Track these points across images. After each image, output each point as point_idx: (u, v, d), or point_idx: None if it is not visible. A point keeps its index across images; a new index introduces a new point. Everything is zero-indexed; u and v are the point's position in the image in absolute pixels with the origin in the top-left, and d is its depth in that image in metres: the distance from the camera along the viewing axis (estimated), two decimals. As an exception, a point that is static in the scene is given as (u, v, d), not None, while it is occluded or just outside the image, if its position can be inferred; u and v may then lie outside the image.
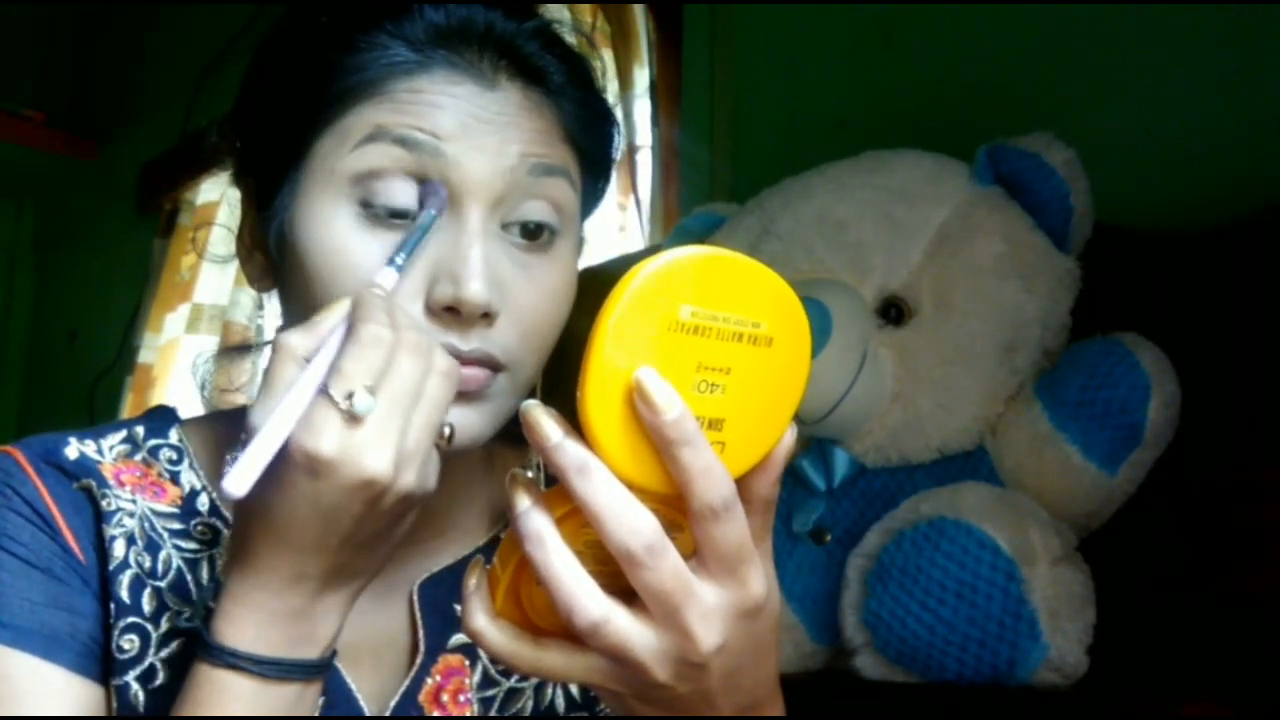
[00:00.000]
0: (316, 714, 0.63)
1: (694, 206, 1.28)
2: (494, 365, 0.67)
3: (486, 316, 0.66)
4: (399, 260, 0.64)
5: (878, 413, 1.02)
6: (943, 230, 1.03)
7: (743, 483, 0.55)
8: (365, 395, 0.56)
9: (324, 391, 0.57)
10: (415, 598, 0.75)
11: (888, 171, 1.08)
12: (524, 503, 0.54)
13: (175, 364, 2.48)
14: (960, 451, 1.01)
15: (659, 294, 0.51)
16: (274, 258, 0.71)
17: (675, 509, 0.54)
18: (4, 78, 3.06)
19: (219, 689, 0.60)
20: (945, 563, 0.89)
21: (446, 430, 0.62)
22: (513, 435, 0.69)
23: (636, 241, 1.70)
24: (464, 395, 0.66)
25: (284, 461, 0.57)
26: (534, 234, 0.69)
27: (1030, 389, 0.99)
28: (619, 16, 1.73)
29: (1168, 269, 1.04)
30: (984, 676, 0.89)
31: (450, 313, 0.65)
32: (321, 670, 0.62)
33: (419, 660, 0.74)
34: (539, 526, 0.53)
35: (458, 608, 0.75)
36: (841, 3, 1.44)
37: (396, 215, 0.66)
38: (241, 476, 0.55)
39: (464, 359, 0.65)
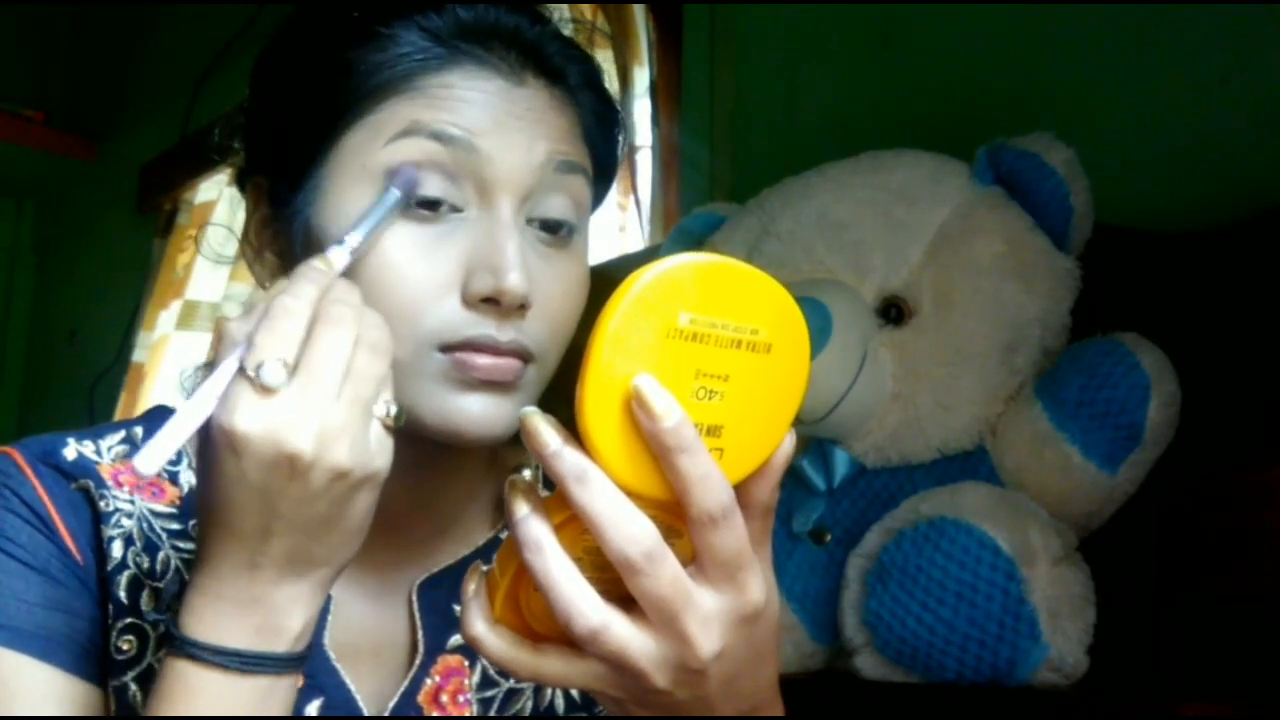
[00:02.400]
0: (290, 712, 0.62)
1: (694, 206, 1.28)
2: (526, 356, 0.68)
3: (522, 308, 0.67)
4: (353, 241, 0.64)
5: (878, 413, 1.02)
6: (943, 230, 1.03)
7: (742, 489, 0.55)
8: (275, 366, 0.56)
9: (240, 367, 0.56)
10: (414, 598, 0.75)
11: (888, 171, 1.08)
12: (522, 509, 0.53)
13: (166, 360, 2.46)
14: (960, 451, 1.01)
15: (657, 301, 0.51)
16: (296, 255, 0.70)
17: (674, 515, 0.54)
18: (4, 78, 3.06)
19: (184, 682, 0.59)
20: (945, 563, 0.89)
21: (392, 409, 0.59)
22: (517, 434, 0.70)
23: (636, 241, 1.69)
24: (500, 385, 0.67)
25: (211, 441, 0.57)
26: (556, 229, 0.70)
27: (1030, 389, 0.99)
28: (619, 16, 1.73)
29: (1168, 269, 1.04)
30: (984, 676, 0.89)
31: (488, 304, 0.66)
32: (291, 665, 0.61)
33: (418, 660, 0.74)
34: (537, 533, 0.53)
35: (457, 608, 0.75)
36: (841, 3, 1.44)
37: (429, 208, 0.66)
38: (152, 454, 0.55)
39: (501, 349, 0.66)
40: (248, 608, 0.59)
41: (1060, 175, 1.01)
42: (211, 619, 0.59)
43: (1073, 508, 0.96)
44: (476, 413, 0.66)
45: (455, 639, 0.75)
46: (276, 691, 0.60)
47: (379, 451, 0.59)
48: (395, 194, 0.65)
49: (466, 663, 0.75)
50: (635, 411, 0.51)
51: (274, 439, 0.55)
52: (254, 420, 0.55)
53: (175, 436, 0.56)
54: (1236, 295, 1.00)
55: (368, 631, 0.74)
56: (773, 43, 1.55)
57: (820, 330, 0.98)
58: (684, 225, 1.23)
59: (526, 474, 0.78)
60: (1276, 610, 0.91)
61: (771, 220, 1.11)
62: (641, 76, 1.71)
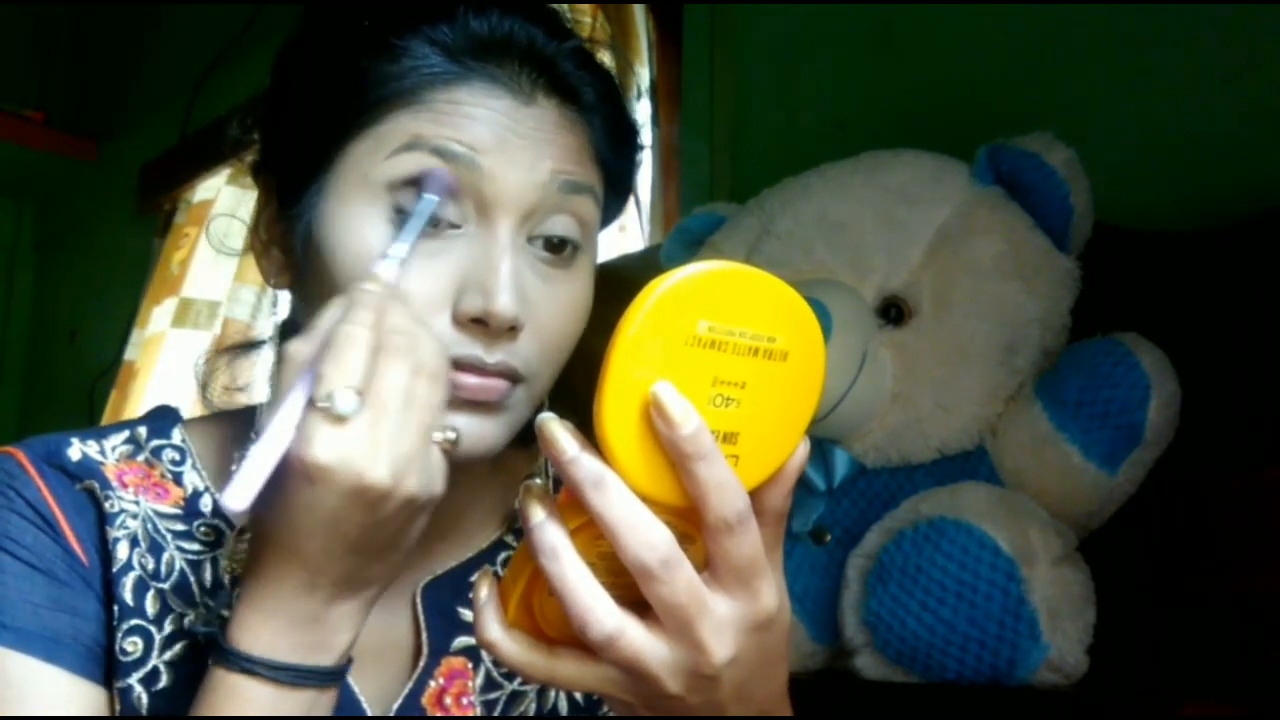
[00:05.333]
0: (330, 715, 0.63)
1: (694, 206, 1.28)
2: (514, 377, 0.67)
3: (512, 330, 0.66)
4: (399, 252, 0.64)
5: (878, 413, 1.02)
6: (943, 230, 1.03)
7: (755, 495, 0.55)
8: (347, 395, 0.57)
9: (310, 397, 0.57)
10: (419, 600, 0.76)
11: (888, 172, 1.08)
12: (538, 515, 0.54)
13: (159, 359, 2.44)
14: (960, 451, 1.01)
15: (676, 309, 0.51)
16: (298, 256, 0.71)
17: (688, 521, 0.54)
18: (4, 78, 3.06)
19: (234, 694, 0.60)
20: (945, 563, 0.89)
21: (452, 434, 0.62)
22: (518, 438, 0.70)
23: (636, 241, 1.69)
24: (484, 405, 0.67)
25: (286, 470, 0.57)
26: (558, 248, 0.70)
27: (1030, 389, 0.99)
28: (619, 16, 1.73)
29: (1168, 269, 1.04)
30: (984, 676, 0.89)
31: (477, 324, 0.66)
32: (336, 678, 0.62)
33: (422, 663, 0.74)
34: (553, 539, 0.53)
35: (461, 610, 0.76)
36: (841, 3, 1.44)
37: (428, 223, 0.66)
38: (241, 490, 0.56)
39: (487, 370, 0.66)
40: (302, 625, 0.61)
41: (1060, 175, 1.01)
42: (268, 636, 0.60)
43: (1073, 508, 0.96)
44: (460, 431, 0.66)
45: (459, 641, 0.75)
46: (320, 702, 0.62)
47: (438, 476, 0.61)
48: (431, 200, 0.65)
49: (470, 665, 0.75)
50: (653, 418, 0.51)
51: (354, 470, 0.57)
52: (331, 451, 0.56)
53: (260, 469, 0.57)
54: (1236, 295, 1.00)
55: (372, 633, 0.74)
56: (773, 43, 1.55)
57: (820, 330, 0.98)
58: (684, 225, 1.23)
59: (536, 483, 0.78)
60: (1276, 610, 0.91)
61: (771, 220, 1.11)
62: (641, 76, 1.71)
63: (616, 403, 0.51)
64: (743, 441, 0.54)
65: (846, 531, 1.03)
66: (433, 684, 0.74)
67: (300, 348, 0.59)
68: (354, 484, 0.57)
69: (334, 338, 0.58)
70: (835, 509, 1.05)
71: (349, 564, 0.60)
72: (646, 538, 0.52)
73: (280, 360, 0.60)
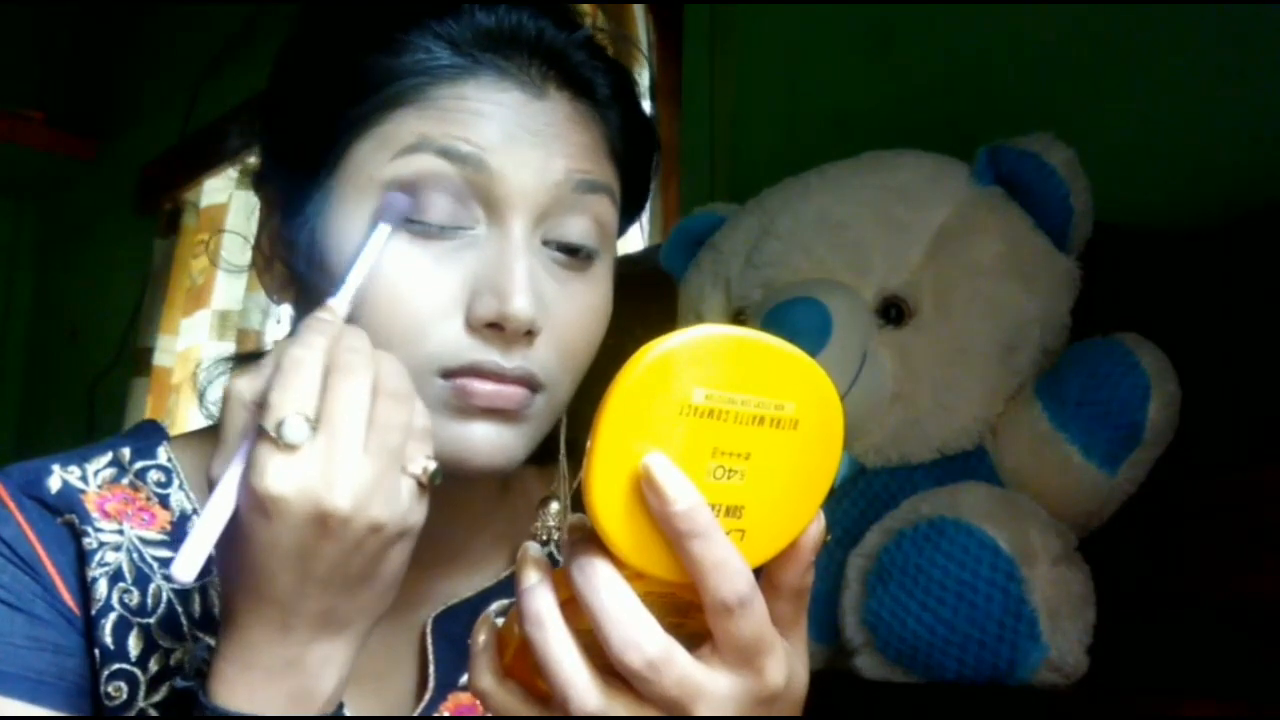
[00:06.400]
0: None
1: (694, 206, 1.28)
2: (534, 385, 0.64)
3: (529, 334, 0.63)
4: (354, 283, 0.61)
5: (878, 413, 1.02)
6: (943, 230, 1.03)
7: (770, 569, 0.52)
8: (296, 422, 0.53)
9: (260, 427, 0.54)
10: (429, 631, 0.72)
11: (888, 171, 1.08)
12: (530, 579, 0.52)
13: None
14: (960, 451, 1.01)
15: (668, 377, 0.48)
16: (301, 267, 0.68)
17: (692, 591, 0.51)
18: (4, 78, 3.06)
19: None
20: (945, 563, 0.89)
21: (430, 467, 0.57)
22: (532, 456, 0.67)
23: (636, 242, 1.69)
24: (504, 414, 0.64)
25: (243, 506, 0.55)
26: (575, 252, 0.66)
27: (1030, 389, 0.99)
28: (619, 16, 1.73)
29: (1168, 269, 1.04)
30: (984, 676, 0.89)
31: (492, 329, 0.63)
32: None
33: (428, 696, 0.71)
34: (540, 608, 0.51)
35: None
36: (842, 2, 1.44)
37: (436, 226, 0.63)
38: (190, 557, 0.53)
39: (506, 377, 0.63)
40: (280, 673, 0.57)
41: (1060, 175, 1.01)
42: (243, 688, 0.57)
43: (1073, 508, 0.96)
44: (479, 441, 0.64)
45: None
46: None
47: (413, 506, 0.57)
48: (385, 229, 0.62)
49: (479, 701, 0.73)
50: (646, 493, 0.49)
51: (308, 498, 0.53)
52: (284, 481, 0.53)
53: (210, 533, 0.54)
54: (1236, 295, 1.00)
55: (376, 663, 0.71)
56: (773, 43, 1.55)
57: (820, 330, 0.98)
58: (684, 225, 1.23)
59: (554, 506, 0.74)
60: (1276, 610, 0.91)
61: (771, 220, 1.11)
62: (641, 76, 1.71)
63: (606, 475, 0.48)
64: (749, 515, 0.51)
65: (846, 531, 1.02)
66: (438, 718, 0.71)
67: (246, 383, 0.56)
68: (311, 513, 0.53)
69: (282, 362, 0.55)
70: (835, 509, 1.05)
71: (322, 601, 0.56)
72: (634, 637, 0.49)
73: (225, 398, 0.56)
